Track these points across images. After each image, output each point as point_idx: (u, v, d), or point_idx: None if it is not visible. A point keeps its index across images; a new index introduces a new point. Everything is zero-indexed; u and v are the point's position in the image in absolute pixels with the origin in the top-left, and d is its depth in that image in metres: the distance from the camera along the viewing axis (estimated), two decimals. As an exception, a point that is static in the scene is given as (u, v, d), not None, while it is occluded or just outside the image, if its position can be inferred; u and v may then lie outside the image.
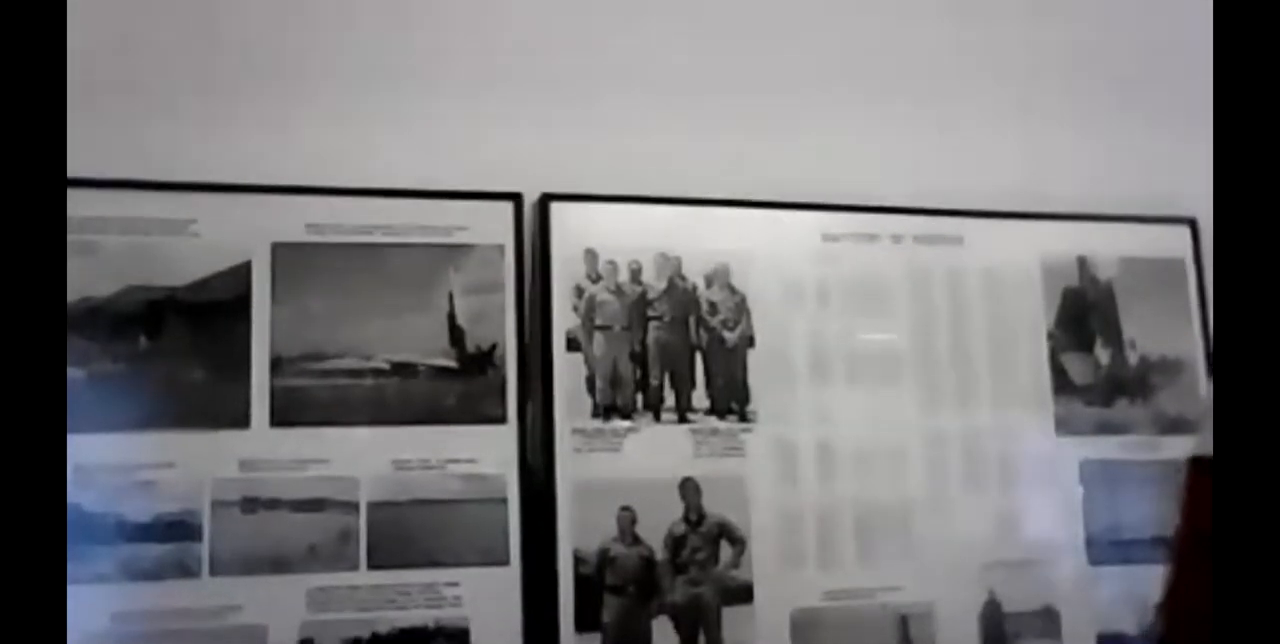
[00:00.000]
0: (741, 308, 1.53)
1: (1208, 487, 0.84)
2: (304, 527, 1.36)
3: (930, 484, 1.54)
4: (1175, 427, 1.62)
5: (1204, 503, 0.85)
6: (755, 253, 1.54)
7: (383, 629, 1.35)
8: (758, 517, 1.48)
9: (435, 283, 1.45)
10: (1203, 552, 0.82)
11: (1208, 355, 1.66)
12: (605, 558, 1.42)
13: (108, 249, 1.37)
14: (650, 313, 1.50)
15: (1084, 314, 1.65)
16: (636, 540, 1.43)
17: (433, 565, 1.37)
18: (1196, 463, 0.90)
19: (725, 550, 1.46)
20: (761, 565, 1.47)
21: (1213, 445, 0.84)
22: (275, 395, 1.38)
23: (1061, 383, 1.62)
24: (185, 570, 1.32)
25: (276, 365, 1.38)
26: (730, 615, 1.45)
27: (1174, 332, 1.67)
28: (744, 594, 1.46)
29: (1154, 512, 1.56)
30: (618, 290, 1.49)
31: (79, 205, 1.29)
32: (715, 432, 1.49)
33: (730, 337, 1.52)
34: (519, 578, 1.39)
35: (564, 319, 1.47)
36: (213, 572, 1.33)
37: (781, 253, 1.55)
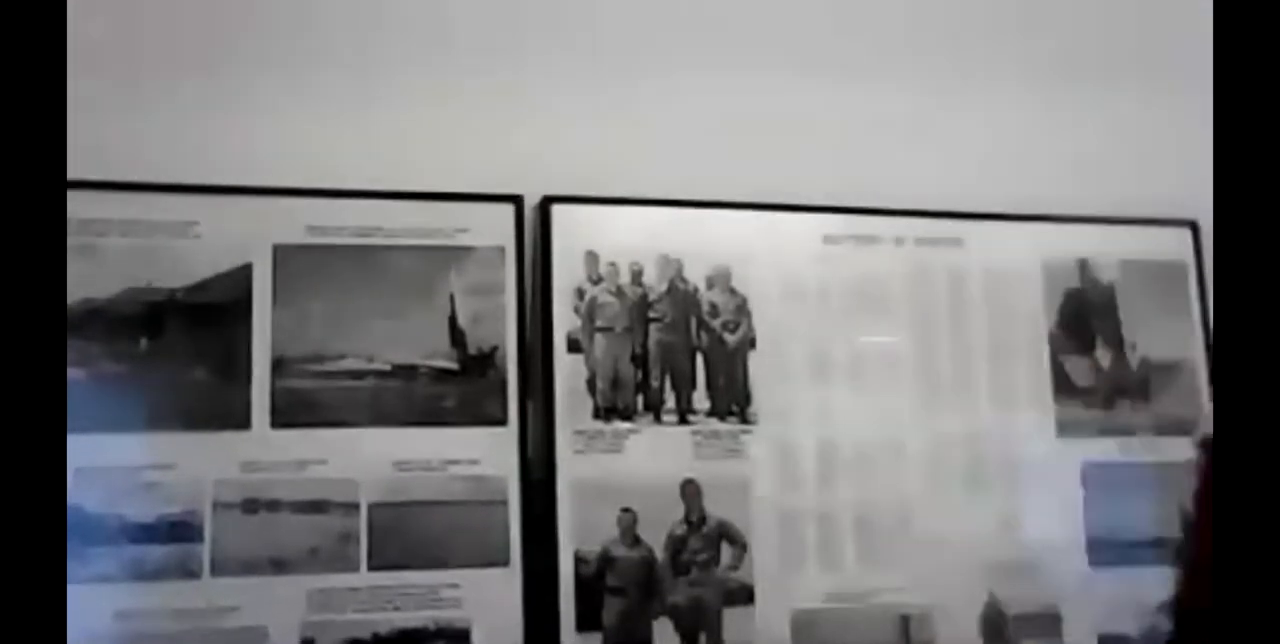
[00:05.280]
0: (742, 309, 1.53)
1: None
2: (305, 528, 1.36)
3: (931, 486, 1.54)
4: (1176, 429, 1.62)
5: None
6: (756, 255, 1.54)
7: (383, 630, 1.35)
8: (758, 518, 1.48)
9: (436, 285, 1.45)
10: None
11: (1208, 357, 1.65)
12: (606, 559, 1.42)
13: (109, 251, 1.37)
14: (651, 314, 1.50)
15: (1085, 316, 1.65)
16: (637, 542, 1.43)
17: (433, 567, 1.37)
18: (1208, 443, 0.90)
19: (726, 552, 1.46)
20: (762, 567, 1.47)
21: (1214, 444, 0.84)
22: (276, 396, 1.38)
23: (1062, 385, 1.61)
24: (186, 571, 1.32)
25: (278, 367, 1.38)
26: (731, 617, 1.45)
27: (1175, 334, 1.67)
28: (745, 595, 1.46)
29: (1155, 513, 1.57)
30: (619, 292, 1.49)
31: (80, 207, 1.29)
32: (716, 433, 1.49)
33: (731, 338, 1.52)
34: (520, 579, 1.39)
35: (565, 321, 1.47)
36: (214, 572, 1.33)
37: (782, 255, 1.55)
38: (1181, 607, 0.91)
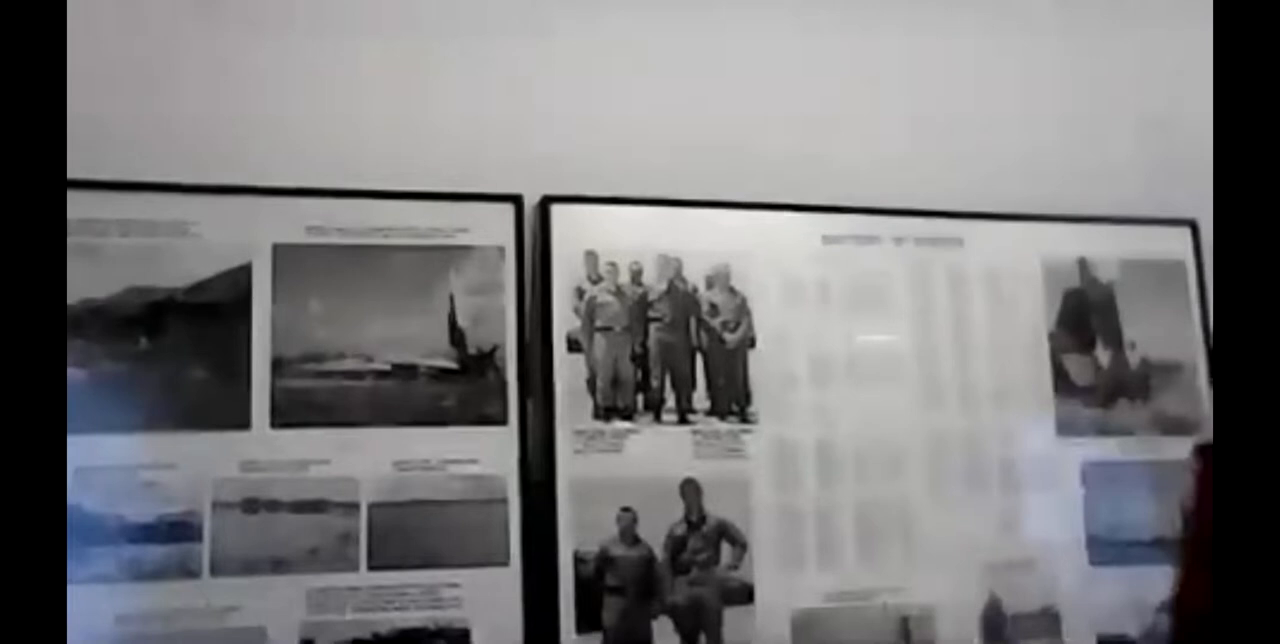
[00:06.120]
0: (742, 309, 1.53)
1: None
2: (305, 527, 1.36)
3: (931, 485, 1.54)
4: (1176, 428, 1.62)
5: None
6: (756, 254, 1.54)
7: (383, 630, 1.35)
8: (758, 517, 1.48)
9: (436, 284, 1.45)
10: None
11: (1208, 357, 1.65)
12: (606, 559, 1.42)
13: (109, 250, 1.37)
14: (651, 314, 1.50)
15: (1084, 315, 1.65)
16: (637, 541, 1.43)
17: (433, 566, 1.37)
18: (1204, 451, 0.90)
19: (726, 551, 1.46)
20: (762, 566, 1.47)
21: (1214, 443, 0.84)
22: (276, 396, 1.38)
23: (1062, 384, 1.62)
24: (186, 571, 1.32)
25: (277, 366, 1.38)
26: (731, 616, 1.45)
27: (1174, 333, 1.67)
28: (745, 595, 1.46)
29: (1155, 513, 1.57)
30: (618, 292, 1.49)
31: (80, 207, 1.29)
32: (716, 433, 1.49)
33: (731, 338, 1.52)
34: (519, 579, 1.39)
35: (565, 320, 1.47)
36: (213, 572, 1.33)
37: (782, 254, 1.55)
38: (1181, 607, 0.91)
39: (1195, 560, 0.91)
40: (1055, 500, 1.58)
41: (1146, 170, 1.68)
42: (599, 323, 1.48)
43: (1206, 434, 0.86)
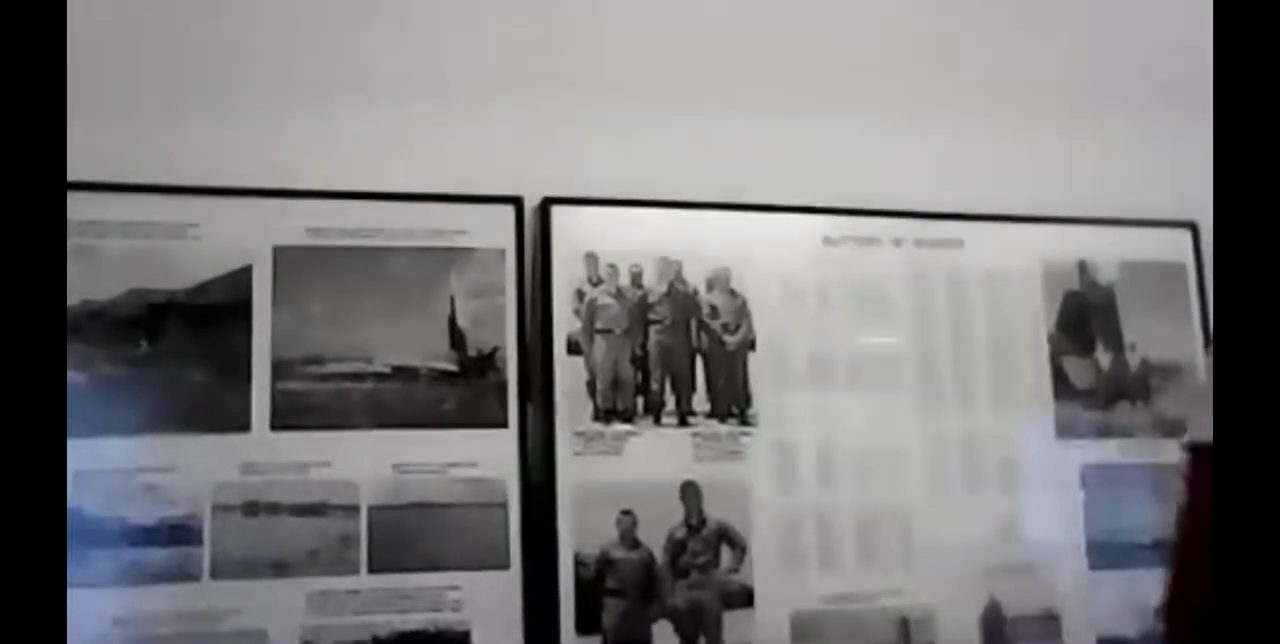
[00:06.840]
0: (742, 311, 1.53)
1: (1208, 475, 0.84)
2: (305, 530, 1.35)
3: (931, 488, 1.54)
4: (1176, 430, 1.61)
5: (1205, 496, 0.84)
6: (756, 256, 1.54)
7: (383, 633, 1.35)
8: (758, 520, 1.48)
9: (436, 286, 1.45)
10: (1205, 550, 0.82)
11: (1207, 359, 1.65)
12: (606, 562, 1.42)
13: (109, 252, 1.37)
14: (651, 316, 1.50)
15: (1084, 318, 1.65)
16: (637, 544, 1.43)
17: (433, 569, 1.37)
18: (1196, 450, 0.90)
19: (726, 554, 1.46)
20: (762, 569, 1.47)
21: (1212, 446, 0.84)
22: (276, 399, 1.38)
23: (1062, 386, 1.61)
24: (186, 574, 1.32)
25: (277, 369, 1.38)
26: (731, 619, 1.45)
27: (1174, 335, 1.67)
28: (744, 598, 1.46)
29: (1154, 515, 1.56)
30: (618, 294, 1.49)
31: (80, 208, 1.29)
32: (716, 435, 1.49)
33: (731, 340, 1.52)
34: (519, 582, 1.39)
35: (565, 323, 1.47)
36: (214, 575, 1.33)
37: (782, 256, 1.55)
38: (1171, 609, 0.91)
39: (1186, 562, 0.91)
40: (1055, 503, 1.58)
41: (1146, 172, 1.67)
42: (599, 325, 1.48)
43: (1197, 433, 0.86)
